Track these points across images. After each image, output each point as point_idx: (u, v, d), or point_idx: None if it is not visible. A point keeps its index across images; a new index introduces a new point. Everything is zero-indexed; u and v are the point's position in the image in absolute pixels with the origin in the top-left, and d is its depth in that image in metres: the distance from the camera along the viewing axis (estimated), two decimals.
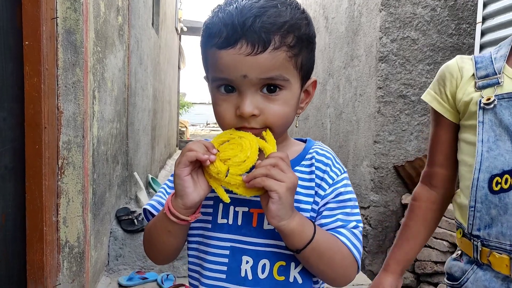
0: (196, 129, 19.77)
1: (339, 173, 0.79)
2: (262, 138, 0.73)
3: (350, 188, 0.79)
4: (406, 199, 2.85)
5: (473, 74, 0.92)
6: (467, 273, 0.92)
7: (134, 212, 2.72)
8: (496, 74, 0.89)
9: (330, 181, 0.77)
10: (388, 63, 2.90)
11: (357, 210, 0.78)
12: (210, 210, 0.80)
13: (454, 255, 0.99)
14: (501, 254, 0.84)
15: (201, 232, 0.81)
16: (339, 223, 0.75)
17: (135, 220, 2.62)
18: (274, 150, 0.71)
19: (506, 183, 0.82)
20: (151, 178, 4.20)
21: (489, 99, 0.87)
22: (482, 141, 0.87)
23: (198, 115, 22.62)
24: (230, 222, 0.78)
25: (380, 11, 2.91)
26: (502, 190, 0.82)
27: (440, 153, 1.02)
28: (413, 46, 2.91)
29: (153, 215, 0.83)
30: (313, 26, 0.77)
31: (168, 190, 0.85)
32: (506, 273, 0.83)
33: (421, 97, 1.04)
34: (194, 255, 0.82)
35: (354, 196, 0.79)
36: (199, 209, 0.74)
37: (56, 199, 1.90)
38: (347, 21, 3.53)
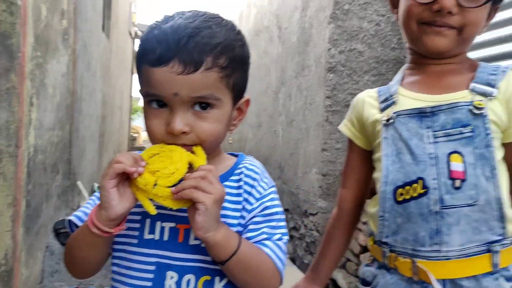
0: None
1: (266, 187, 0.80)
2: (193, 153, 0.73)
3: (277, 202, 0.80)
4: None
5: (377, 101, 1.01)
6: (377, 277, 0.98)
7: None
8: (393, 95, 0.98)
9: (258, 196, 0.79)
10: (336, 74, 2.98)
11: (283, 224, 0.79)
12: (137, 225, 0.79)
13: (366, 261, 1.05)
14: (405, 258, 0.91)
15: (125, 247, 0.79)
16: (264, 236, 0.76)
17: None
18: (203, 164, 0.72)
19: (408, 193, 0.89)
20: (97, 187, 4.06)
21: (388, 115, 0.95)
22: (386, 155, 0.94)
23: None
24: (157, 237, 0.77)
25: (329, 24, 2.99)
26: (405, 201, 0.90)
27: (349, 177, 1.11)
28: (359, 58, 3.01)
29: (78, 226, 0.81)
30: (247, 47, 0.79)
31: (97, 202, 0.83)
32: (409, 275, 0.90)
33: (338, 127, 1.14)
34: (116, 271, 0.80)
35: (280, 209, 0.80)
36: (123, 222, 0.73)
37: None
38: (298, 32, 3.60)
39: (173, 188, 0.69)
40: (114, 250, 0.80)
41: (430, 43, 0.90)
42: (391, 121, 0.94)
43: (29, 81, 1.95)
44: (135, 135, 11.50)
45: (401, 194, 0.90)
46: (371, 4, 3.01)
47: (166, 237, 0.77)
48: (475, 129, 0.87)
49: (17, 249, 1.85)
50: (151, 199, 0.71)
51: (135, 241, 0.78)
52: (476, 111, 0.86)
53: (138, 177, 0.68)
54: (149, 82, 0.72)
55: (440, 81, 0.94)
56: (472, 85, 0.90)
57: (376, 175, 1.01)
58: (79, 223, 0.80)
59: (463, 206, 0.85)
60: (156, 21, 0.75)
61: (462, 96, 0.90)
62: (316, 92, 3.15)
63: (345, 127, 1.10)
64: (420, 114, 0.91)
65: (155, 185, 0.69)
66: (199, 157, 0.73)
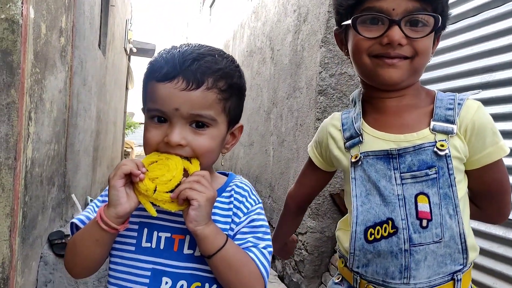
0: (142, 150, 19.30)
1: (253, 204, 0.87)
2: (189, 161, 0.81)
3: (263, 217, 0.87)
4: None
5: (341, 136, 1.04)
6: None
7: (68, 235, 2.63)
8: (358, 133, 0.99)
9: (245, 210, 0.86)
10: (326, 96, 3.07)
11: (268, 237, 0.85)
12: (135, 234, 0.85)
13: (335, 279, 1.09)
14: (375, 286, 0.97)
15: (122, 253, 0.85)
16: (250, 244, 0.83)
17: None
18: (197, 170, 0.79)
19: (378, 233, 0.94)
20: (90, 200, 4.08)
21: (356, 156, 0.98)
22: (356, 196, 0.97)
23: None
24: (153, 246, 0.84)
25: (320, 47, 3.09)
26: (375, 240, 0.94)
27: (301, 184, 1.23)
28: (350, 81, 3.11)
29: (79, 229, 0.86)
30: (244, 79, 0.88)
31: (99, 206, 0.89)
32: None
33: (308, 147, 1.19)
34: (112, 276, 0.86)
35: (266, 223, 0.87)
36: (127, 220, 0.80)
37: None
38: (291, 54, 3.70)
39: (172, 193, 0.76)
40: (112, 256, 0.86)
41: (385, 75, 0.91)
42: (359, 162, 0.97)
43: (28, 96, 2.01)
44: (129, 150, 11.50)
45: (371, 234, 0.94)
46: None
47: (162, 246, 0.84)
48: (439, 170, 0.91)
49: (14, 258, 1.88)
50: (152, 203, 0.78)
51: (132, 248, 0.85)
52: (440, 152, 0.90)
53: (140, 183, 0.76)
54: (154, 97, 0.80)
55: (400, 119, 0.96)
56: (432, 123, 0.93)
57: (348, 205, 1.05)
58: (82, 226, 0.87)
59: (430, 244, 0.91)
60: (164, 49, 0.85)
61: (424, 136, 0.93)
62: (307, 113, 3.24)
63: (312, 151, 1.15)
64: (387, 155, 0.94)
65: (155, 190, 0.77)
66: (194, 165, 0.80)
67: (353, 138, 1.00)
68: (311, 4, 3.36)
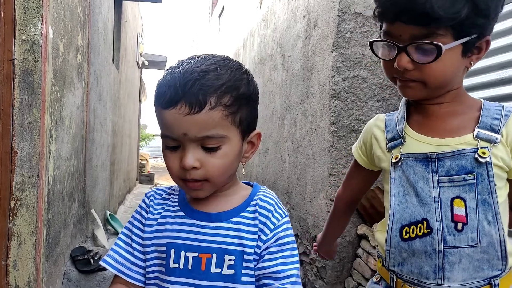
0: (157, 161, 19.44)
1: (280, 218, 0.86)
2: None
3: (289, 232, 0.86)
4: (362, 229, 2.96)
5: (384, 136, 1.07)
6: None
7: (90, 251, 2.66)
8: (400, 135, 1.02)
9: (272, 226, 0.84)
10: (340, 100, 3.06)
11: (296, 252, 0.85)
12: (164, 255, 0.85)
13: (374, 279, 1.12)
14: (410, 286, 0.98)
15: (157, 275, 0.86)
16: (279, 268, 0.82)
17: (91, 260, 2.56)
18: None
19: (413, 232, 0.96)
20: (109, 214, 4.12)
21: (397, 157, 1.00)
22: (394, 196, 1.00)
23: (160, 146, 22.31)
24: (181, 266, 0.83)
25: (332, 52, 3.09)
26: (410, 238, 0.96)
27: (348, 184, 1.27)
28: (363, 84, 3.09)
29: (113, 267, 0.88)
30: (253, 84, 0.86)
31: (125, 242, 0.91)
32: None
33: (352, 148, 1.23)
34: None
35: (293, 238, 0.86)
36: None
37: (7, 242, 1.84)
38: (302, 60, 3.71)
39: None
40: (148, 279, 0.87)
41: (402, 93, 0.99)
42: (399, 163, 1.00)
43: (48, 114, 2.05)
44: (144, 162, 11.61)
45: (407, 232, 0.97)
46: (373, 31, 3.13)
47: (190, 266, 0.83)
48: (478, 176, 0.92)
49: (39, 276, 1.91)
50: None
51: (163, 269, 0.85)
52: (481, 159, 0.91)
53: None
54: (162, 123, 0.81)
55: (444, 124, 0.98)
56: (477, 130, 0.93)
57: (385, 203, 1.07)
58: (115, 265, 0.88)
59: (465, 247, 0.92)
60: (170, 67, 0.84)
61: (466, 141, 0.94)
62: (321, 118, 3.23)
63: (356, 151, 1.20)
64: (427, 159, 0.96)
65: None
66: None
67: (395, 140, 1.03)
68: (320, 9, 3.36)
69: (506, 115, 0.94)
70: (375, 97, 3.10)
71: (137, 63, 8.60)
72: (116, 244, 0.92)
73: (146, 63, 9.91)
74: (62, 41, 2.32)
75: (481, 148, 0.92)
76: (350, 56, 3.08)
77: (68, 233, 2.59)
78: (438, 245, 0.93)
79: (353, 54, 3.09)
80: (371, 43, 0.97)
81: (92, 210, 3.40)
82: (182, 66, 0.81)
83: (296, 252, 0.85)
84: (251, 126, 0.87)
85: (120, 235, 0.93)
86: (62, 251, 2.46)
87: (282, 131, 4.24)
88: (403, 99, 1.09)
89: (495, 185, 0.91)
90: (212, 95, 0.77)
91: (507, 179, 0.97)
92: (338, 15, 3.06)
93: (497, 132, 0.93)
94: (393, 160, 1.01)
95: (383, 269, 1.06)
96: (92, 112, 3.36)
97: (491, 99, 2.01)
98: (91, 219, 3.34)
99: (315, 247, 1.44)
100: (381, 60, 0.99)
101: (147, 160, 11.96)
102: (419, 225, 0.95)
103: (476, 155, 0.91)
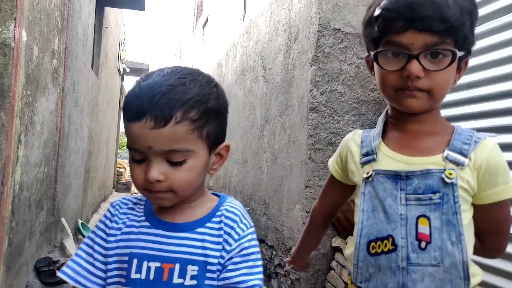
0: None
1: (245, 229, 0.85)
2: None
3: (254, 243, 0.85)
4: (336, 242, 2.96)
5: (359, 152, 1.08)
6: None
7: (56, 262, 2.58)
8: (373, 151, 1.04)
9: (236, 237, 0.84)
10: (318, 113, 3.09)
11: (260, 263, 0.84)
12: (125, 265, 0.83)
13: None
14: None
15: (116, 286, 0.83)
16: (242, 278, 0.81)
17: (57, 271, 2.48)
18: None
19: (379, 248, 0.97)
20: (81, 223, 4.02)
21: (368, 173, 1.02)
22: (363, 211, 1.02)
23: None
24: (143, 277, 0.81)
25: (311, 66, 3.13)
26: (376, 254, 0.98)
27: (325, 198, 1.27)
28: (340, 98, 3.13)
29: (72, 278, 0.85)
30: (223, 98, 0.86)
31: (87, 251, 0.88)
32: None
33: (328, 163, 1.24)
34: None
35: (257, 249, 0.85)
36: None
37: None
38: (282, 73, 3.74)
39: None
40: None
41: (405, 105, 0.96)
42: (370, 178, 1.01)
43: (18, 119, 2.00)
44: (121, 170, 11.42)
45: (373, 248, 0.98)
46: (351, 47, 3.18)
47: (151, 277, 0.81)
48: (444, 196, 0.94)
49: None
50: None
51: (123, 280, 0.82)
52: (447, 180, 0.93)
53: None
54: (129, 136, 0.80)
55: (417, 142, 1.01)
56: (446, 152, 0.96)
57: (355, 218, 1.08)
58: (75, 275, 0.85)
59: (427, 266, 0.93)
60: (141, 77, 0.83)
61: (435, 161, 0.96)
62: (299, 130, 3.25)
63: (332, 165, 1.20)
64: (396, 176, 0.98)
65: None
66: None
67: (368, 155, 1.05)
68: (301, 24, 3.41)
69: (475, 141, 0.97)
70: (352, 111, 3.14)
71: (118, 70, 8.51)
72: (77, 254, 0.89)
73: (128, 70, 9.83)
74: (37, 45, 2.28)
75: (448, 169, 0.94)
76: (328, 71, 3.12)
77: (33, 242, 2.50)
78: (402, 262, 0.94)
79: (331, 69, 3.13)
80: (377, 53, 0.96)
81: (62, 219, 3.31)
82: (151, 78, 0.80)
83: (260, 263, 0.84)
84: (220, 139, 0.87)
85: (82, 245, 0.90)
86: (26, 261, 2.37)
87: (261, 142, 4.25)
88: (381, 117, 1.11)
89: (460, 206, 0.93)
90: (179, 110, 0.76)
91: (472, 204, 0.99)
92: (318, 31, 3.10)
93: (465, 156, 0.95)
94: (365, 175, 1.02)
95: (352, 286, 1.07)
96: (67, 118, 3.30)
97: (459, 117, 2.06)
98: (60, 228, 3.25)
99: (288, 259, 1.43)
100: (381, 72, 0.97)
101: (125, 168, 11.78)
102: (385, 241, 0.96)
103: (443, 175, 0.94)
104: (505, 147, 1.76)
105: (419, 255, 0.93)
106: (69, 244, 3.11)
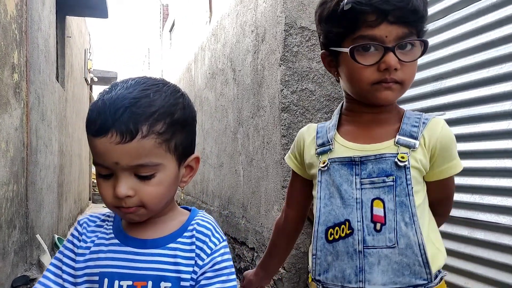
0: None
1: (217, 243, 0.84)
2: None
3: (227, 257, 0.84)
4: None
5: (315, 143, 1.10)
6: None
7: (34, 280, 2.51)
8: (329, 142, 1.06)
9: (209, 251, 0.82)
10: (290, 113, 3.10)
11: (233, 277, 0.83)
12: (96, 285, 0.81)
13: None
14: None
15: None
16: None
17: None
18: None
19: (337, 234, 0.99)
20: (57, 238, 3.92)
21: (324, 162, 1.04)
22: (320, 198, 1.04)
23: None
24: None
25: (280, 66, 3.14)
26: (334, 240, 0.99)
27: (292, 198, 1.24)
28: (311, 97, 3.16)
29: None
30: (190, 108, 0.84)
31: (62, 262, 0.85)
32: None
33: (284, 158, 1.24)
34: None
35: (230, 263, 0.84)
36: None
37: None
38: (252, 74, 3.74)
39: None
40: None
41: (381, 97, 0.98)
42: (325, 167, 1.04)
43: None
44: None
45: (331, 234, 0.99)
46: (319, 45, 3.21)
47: None
48: (397, 179, 0.97)
49: None
50: None
51: None
52: (400, 163, 0.97)
53: None
54: (94, 151, 0.77)
55: (370, 132, 1.04)
56: (397, 137, 0.99)
57: (314, 211, 1.10)
58: None
59: (383, 248, 0.95)
60: (103, 90, 0.81)
61: (387, 146, 1.00)
62: (272, 131, 3.26)
63: (289, 159, 1.21)
64: (351, 162, 1.01)
65: None
66: None
67: (324, 146, 1.07)
68: (267, 24, 3.42)
69: (424, 122, 1.01)
70: (323, 109, 3.17)
71: (86, 80, 8.33)
72: (44, 276, 0.86)
73: (96, 79, 9.64)
74: None
75: (400, 153, 0.98)
76: (297, 70, 3.14)
77: (8, 262, 2.42)
78: (359, 245, 0.96)
79: (301, 67, 3.15)
80: (352, 48, 0.95)
81: (37, 236, 3.21)
82: (114, 91, 0.77)
83: (233, 277, 0.83)
84: (188, 151, 0.85)
85: (49, 266, 0.87)
86: (1, 282, 2.30)
87: (235, 145, 4.24)
88: (337, 109, 1.14)
89: (412, 188, 0.96)
90: (144, 123, 0.74)
91: (425, 182, 1.03)
92: (284, 30, 3.11)
93: (415, 138, 0.99)
94: (321, 165, 1.04)
95: (312, 284, 1.07)
96: (34, 133, 3.20)
97: (427, 109, 2.11)
98: (36, 245, 3.16)
99: (242, 285, 1.34)
100: (354, 67, 0.97)
101: None
102: (342, 226, 0.98)
103: (396, 160, 0.97)
104: (470, 137, 1.82)
105: (374, 237, 0.95)
106: (46, 260, 3.02)
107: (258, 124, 3.57)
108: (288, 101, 3.09)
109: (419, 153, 0.99)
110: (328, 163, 1.03)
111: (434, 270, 0.97)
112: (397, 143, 0.99)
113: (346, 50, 0.96)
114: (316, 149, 1.08)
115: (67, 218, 5.34)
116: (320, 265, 1.01)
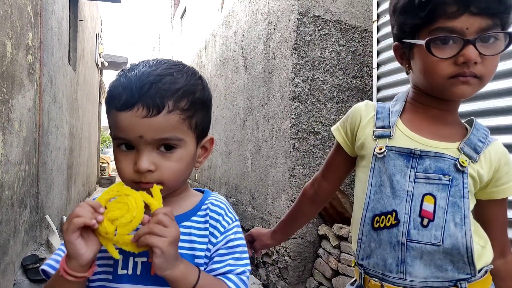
0: None
1: (230, 222, 0.86)
2: (150, 193, 0.77)
3: (240, 235, 0.86)
4: (322, 229, 3.00)
5: (373, 122, 1.05)
6: None
7: (43, 259, 2.55)
8: (390, 127, 1.02)
9: (222, 229, 0.84)
10: (300, 102, 3.10)
11: (246, 255, 0.85)
12: (111, 261, 0.82)
13: (351, 281, 1.13)
14: (376, 281, 0.99)
15: (103, 283, 0.82)
16: (228, 268, 0.81)
17: None
18: (160, 206, 0.76)
19: (382, 222, 0.98)
20: (66, 220, 3.97)
21: (381, 149, 1.00)
22: (371, 185, 1.01)
23: None
24: (130, 272, 0.81)
25: (292, 54, 3.12)
26: (379, 228, 0.98)
27: (330, 171, 1.20)
28: (322, 86, 3.14)
29: (51, 275, 0.83)
30: (208, 90, 0.86)
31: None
32: None
33: (331, 129, 1.19)
34: None
35: (243, 242, 0.86)
36: (94, 263, 0.77)
37: None
38: (263, 62, 3.72)
39: (132, 238, 0.74)
40: (90, 287, 0.83)
41: (458, 92, 0.92)
42: (381, 154, 1.00)
43: None
44: (105, 165, 11.28)
45: (377, 222, 0.98)
46: (332, 35, 3.18)
47: (138, 272, 0.81)
48: (453, 179, 0.95)
49: None
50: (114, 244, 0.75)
51: (110, 277, 0.82)
52: (460, 167, 0.95)
53: (99, 225, 0.73)
54: (117, 126, 0.78)
55: (435, 128, 1.01)
56: (462, 145, 0.98)
57: (357, 193, 1.08)
58: (52, 271, 0.83)
59: (427, 244, 0.94)
60: (123, 69, 0.82)
61: (450, 148, 0.97)
62: (282, 120, 3.25)
63: (338, 132, 1.14)
64: (409, 154, 0.98)
65: (115, 233, 0.73)
66: (156, 198, 0.77)
67: (384, 129, 1.03)
68: (280, 12, 3.39)
69: (489, 141, 1.00)
70: (334, 99, 3.16)
71: (96, 64, 8.35)
72: (59, 248, 0.88)
73: (106, 64, 9.65)
74: (10, 41, 2.22)
75: (462, 159, 0.96)
76: (309, 59, 3.12)
77: (18, 241, 2.46)
78: (402, 237, 0.95)
79: (313, 56, 3.14)
80: (429, 41, 0.90)
81: (47, 216, 3.26)
82: (137, 69, 0.79)
83: (246, 255, 0.85)
84: (205, 131, 0.87)
85: (61, 245, 0.89)
86: (12, 260, 2.34)
87: (244, 133, 4.24)
88: (401, 95, 1.09)
89: (468, 191, 0.95)
90: (170, 99, 0.76)
91: (477, 199, 1.01)
92: (297, 18, 3.09)
93: (478, 152, 0.98)
94: (377, 151, 1.00)
95: (356, 268, 1.08)
96: (46, 114, 3.23)
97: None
98: (45, 225, 3.21)
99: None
100: (430, 61, 0.92)
101: (108, 163, 11.64)
102: (388, 215, 0.97)
103: (457, 163, 0.95)
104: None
105: (419, 232, 0.94)
106: (55, 241, 3.07)
107: (268, 113, 3.57)
108: (299, 90, 3.08)
109: (478, 165, 0.97)
110: (385, 150, 1.00)
111: (479, 266, 0.96)
112: (461, 150, 0.97)
113: (422, 42, 0.91)
114: (374, 131, 1.04)
115: (75, 200, 5.41)
116: (364, 250, 1.01)
